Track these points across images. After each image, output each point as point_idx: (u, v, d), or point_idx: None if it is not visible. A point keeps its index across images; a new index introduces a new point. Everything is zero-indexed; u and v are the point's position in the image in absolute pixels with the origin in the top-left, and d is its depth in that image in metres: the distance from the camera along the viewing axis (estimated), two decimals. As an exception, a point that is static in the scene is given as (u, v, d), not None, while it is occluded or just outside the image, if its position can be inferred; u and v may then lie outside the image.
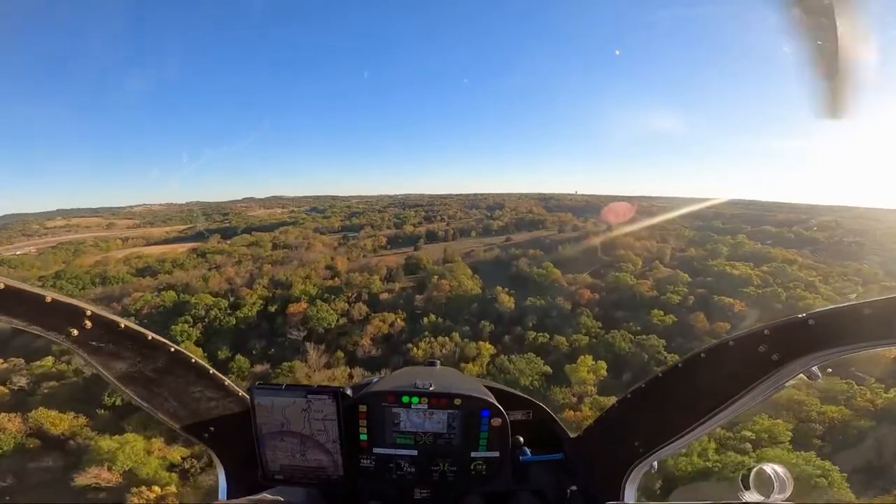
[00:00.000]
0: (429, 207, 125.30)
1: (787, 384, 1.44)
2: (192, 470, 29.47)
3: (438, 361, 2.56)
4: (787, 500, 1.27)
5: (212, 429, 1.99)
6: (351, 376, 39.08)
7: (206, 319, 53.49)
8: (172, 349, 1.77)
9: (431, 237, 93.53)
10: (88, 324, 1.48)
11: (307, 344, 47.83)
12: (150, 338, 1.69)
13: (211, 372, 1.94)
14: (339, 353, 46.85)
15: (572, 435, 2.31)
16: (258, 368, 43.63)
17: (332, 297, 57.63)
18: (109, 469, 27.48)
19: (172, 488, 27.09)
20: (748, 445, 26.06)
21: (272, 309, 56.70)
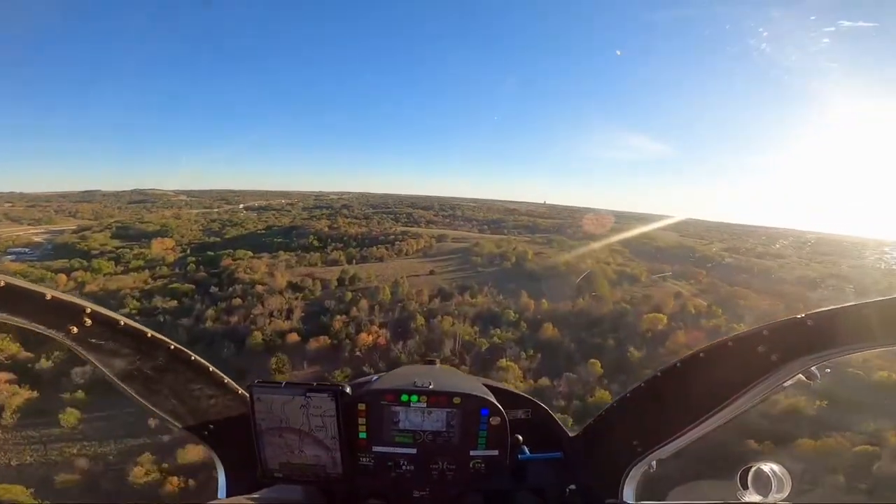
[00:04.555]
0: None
1: (785, 384, 1.45)
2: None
3: (438, 360, 2.57)
4: (785, 499, 1.28)
5: (211, 427, 1.99)
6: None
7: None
8: (172, 347, 1.77)
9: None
10: (88, 321, 1.47)
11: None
12: (149, 335, 1.69)
13: (210, 370, 1.94)
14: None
15: (571, 434, 2.32)
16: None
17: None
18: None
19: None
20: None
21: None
